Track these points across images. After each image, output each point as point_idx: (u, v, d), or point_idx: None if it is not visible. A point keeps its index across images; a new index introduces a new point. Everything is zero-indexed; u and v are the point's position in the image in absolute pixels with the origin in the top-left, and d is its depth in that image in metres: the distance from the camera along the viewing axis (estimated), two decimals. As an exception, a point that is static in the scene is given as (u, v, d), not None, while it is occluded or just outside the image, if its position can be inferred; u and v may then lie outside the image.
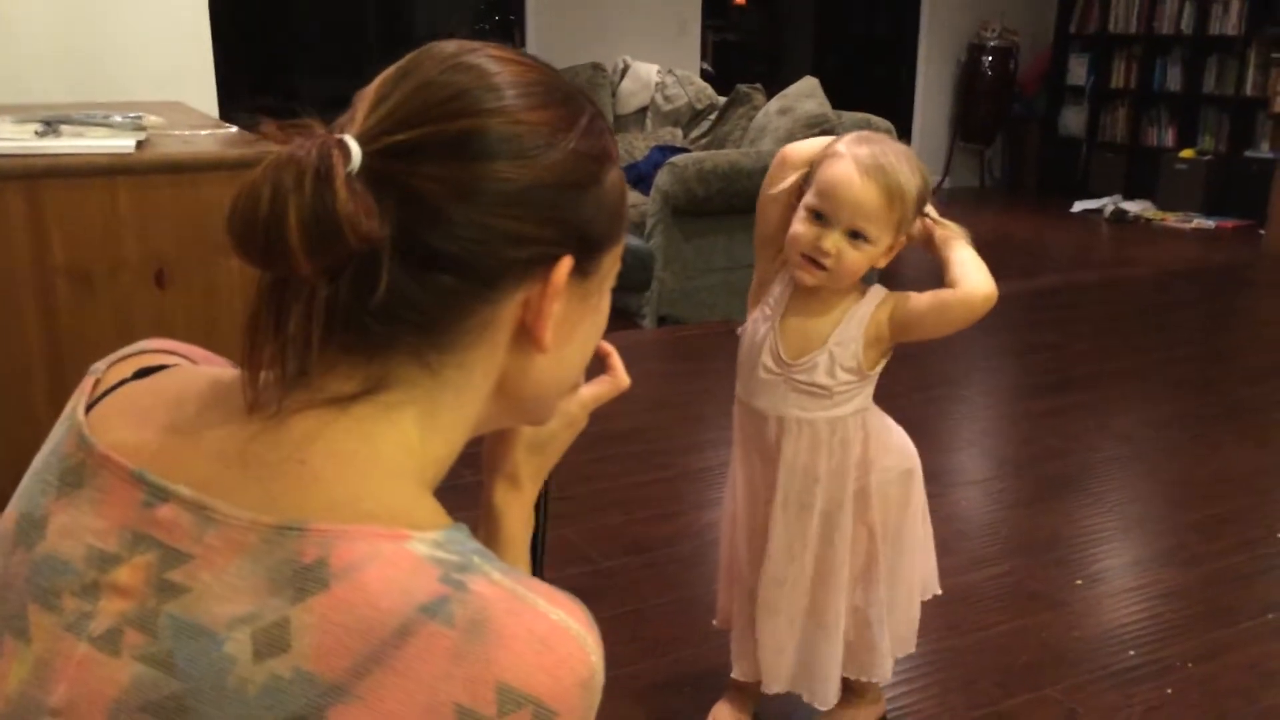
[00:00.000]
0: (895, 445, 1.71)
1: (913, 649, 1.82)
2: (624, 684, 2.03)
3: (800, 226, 1.53)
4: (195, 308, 1.84)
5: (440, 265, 0.63)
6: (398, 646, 0.56)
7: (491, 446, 0.89)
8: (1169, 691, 2.03)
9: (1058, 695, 2.01)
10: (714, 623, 1.86)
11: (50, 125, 1.83)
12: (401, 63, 0.67)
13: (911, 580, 1.77)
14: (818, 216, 1.51)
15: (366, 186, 0.61)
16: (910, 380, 3.80)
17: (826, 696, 1.72)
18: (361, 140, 0.62)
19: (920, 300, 1.57)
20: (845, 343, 1.58)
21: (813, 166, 1.55)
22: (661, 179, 4.65)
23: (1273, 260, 6.17)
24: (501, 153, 0.64)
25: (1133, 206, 7.44)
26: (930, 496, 1.81)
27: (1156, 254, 6.46)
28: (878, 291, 1.60)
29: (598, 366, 0.90)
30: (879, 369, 1.62)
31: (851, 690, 1.89)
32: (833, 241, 1.50)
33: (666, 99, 6.17)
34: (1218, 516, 2.79)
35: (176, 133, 2.03)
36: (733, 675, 1.82)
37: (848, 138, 1.54)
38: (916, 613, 1.80)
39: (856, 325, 1.58)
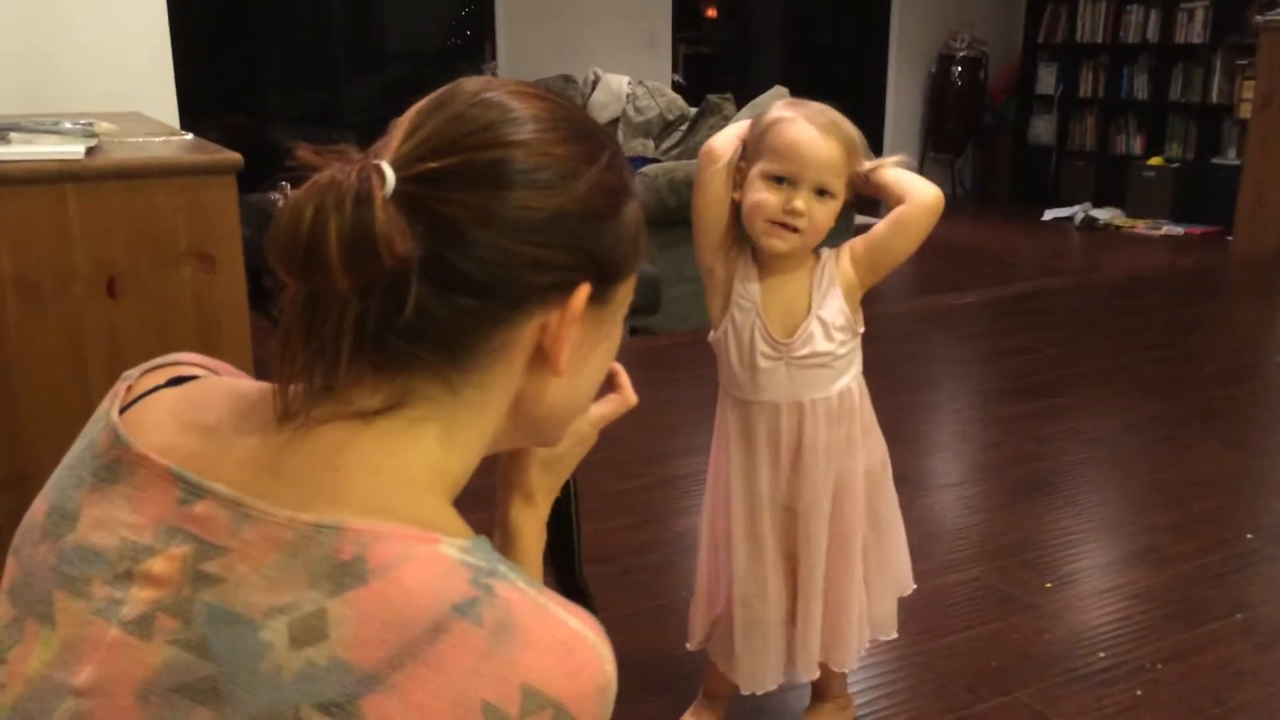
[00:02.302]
0: (877, 428, 1.73)
1: (894, 634, 1.82)
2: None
3: (762, 195, 1.53)
4: (148, 317, 1.81)
5: (464, 287, 0.67)
6: (431, 642, 0.59)
7: (507, 465, 0.92)
8: (1139, 693, 2.02)
9: (1027, 699, 2.00)
10: (688, 646, 1.82)
11: (-2, 133, 1.80)
12: (435, 95, 0.71)
13: (893, 567, 1.77)
14: (779, 181, 1.52)
15: (399, 210, 0.64)
16: (882, 386, 3.77)
17: (852, 658, 1.74)
18: (396, 166, 0.66)
19: (877, 229, 1.60)
20: (827, 303, 1.59)
21: (749, 143, 1.56)
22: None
23: (1240, 265, 6.22)
24: (527, 182, 0.68)
25: (1102, 214, 7.50)
26: (902, 501, 1.81)
27: (1126, 260, 6.50)
28: (828, 250, 1.62)
29: (606, 384, 0.91)
30: (863, 327, 1.64)
31: (820, 696, 1.88)
32: (803, 201, 1.51)
33: (637, 110, 6.17)
34: (1188, 518, 2.79)
35: (129, 140, 2.00)
36: (745, 692, 1.76)
37: (778, 105, 1.56)
38: (895, 602, 1.80)
39: (829, 283, 1.60)
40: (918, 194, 1.56)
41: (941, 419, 3.77)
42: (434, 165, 0.66)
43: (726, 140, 1.58)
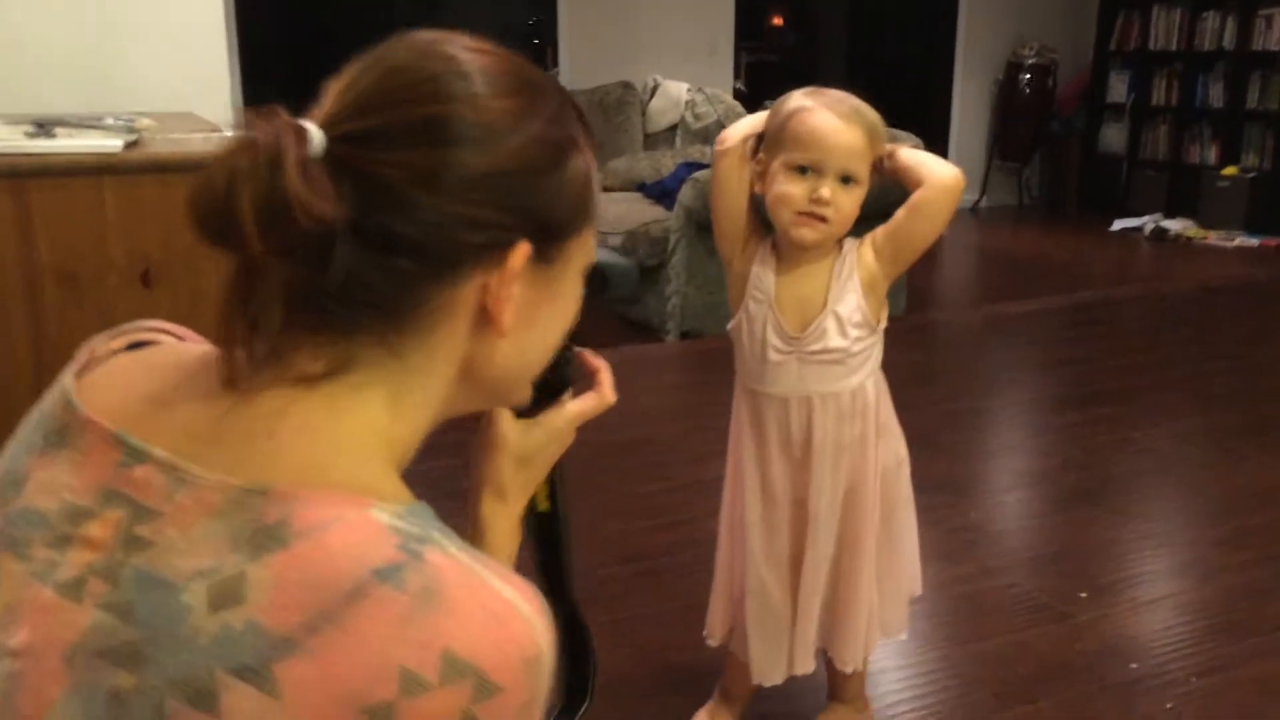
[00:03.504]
0: (895, 427, 1.70)
1: (904, 635, 1.79)
2: (613, 690, 2.00)
3: (788, 186, 1.52)
4: (181, 308, 1.86)
5: (398, 249, 0.65)
6: (348, 606, 0.58)
7: (477, 459, 0.90)
8: (1169, 706, 1.97)
9: (1052, 709, 1.96)
10: (709, 642, 1.81)
11: (43, 127, 1.86)
12: (373, 50, 0.69)
13: (904, 567, 1.74)
14: (803, 171, 1.51)
15: (327, 170, 0.63)
16: (933, 392, 3.75)
17: (858, 658, 1.72)
18: (325, 125, 0.64)
19: (896, 217, 1.57)
20: (845, 297, 1.57)
21: (768, 134, 1.55)
22: (684, 194, 4.64)
23: (1317, 277, 6.02)
24: (463, 139, 0.65)
25: (1173, 224, 7.31)
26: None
27: (1196, 271, 6.33)
28: (852, 240, 1.60)
29: (586, 382, 0.91)
30: (884, 323, 1.61)
31: (836, 696, 1.86)
32: (830, 189, 1.50)
33: (696, 117, 6.17)
34: (1239, 531, 2.71)
35: (170, 136, 2.06)
36: (755, 681, 1.76)
37: (797, 94, 1.55)
38: (906, 602, 1.77)
39: (848, 276, 1.58)
40: (936, 176, 1.53)
41: (991, 426, 3.71)
42: (365, 124, 0.64)
43: (738, 129, 1.58)
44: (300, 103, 0.68)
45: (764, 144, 1.57)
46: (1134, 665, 2.09)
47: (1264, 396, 3.86)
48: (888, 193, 1.57)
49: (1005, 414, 3.85)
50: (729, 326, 1.67)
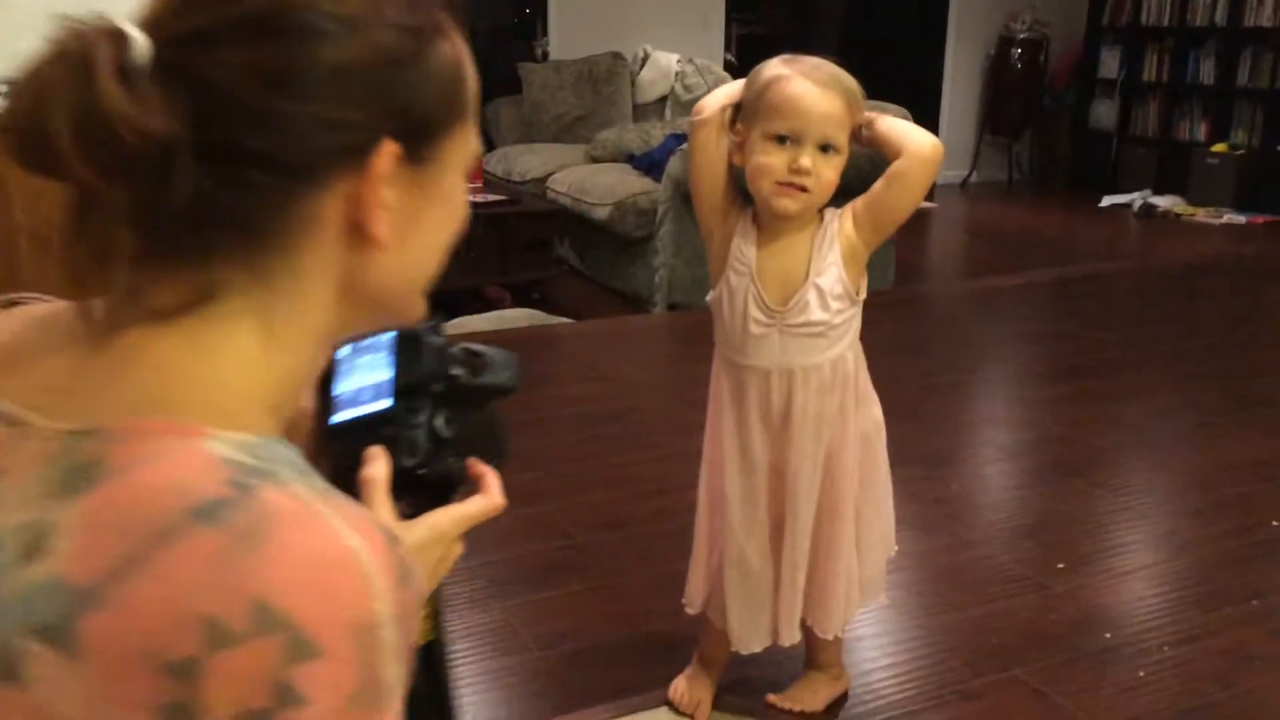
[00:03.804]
0: (873, 395, 1.70)
1: (883, 598, 1.81)
2: (591, 655, 2.02)
3: (767, 157, 1.51)
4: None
5: (246, 161, 0.58)
6: (156, 549, 0.51)
7: None
8: (1141, 674, 1.99)
9: (1026, 676, 1.98)
10: (687, 610, 1.82)
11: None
12: None
13: (880, 531, 1.76)
14: (781, 140, 1.50)
15: (156, 78, 0.56)
16: (916, 365, 3.76)
17: (839, 625, 1.74)
18: (150, 27, 0.57)
19: (875, 187, 1.57)
20: (826, 270, 1.57)
21: (746, 104, 1.54)
22: (672, 165, 4.63)
23: (1303, 255, 6.04)
24: (308, 30, 0.58)
25: (1162, 201, 7.31)
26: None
27: (1184, 248, 6.34)
28: (832, 211, 1.59)
29: (473, 486, 0.84)
30: (864, 294, 1.61)
31: (812, 664, 1.87)
32: (809, 158, 1.49)
33: (686, 88, 6.15)
34: (1215, 503, 2.73)
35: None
36: (734, 649, 1.78)
37: (772, 63, 1.53)
38: (884, 564, 1.79)
39: (829, 248, 1.57)
40: (914, 145, 1.53)
41: (974, 399, 3.72)
42: (196, 21, 0.57)
43: (715, 99, 1.57)
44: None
45: (741, 114, 1.56)
46: (1108, 635, 2.11)
47: (1245, 373, 3.88)
48: (879, 167, 1.56)
49: (988, 387, 3.87)
50: (709, 298, 1.67)
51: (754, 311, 1.59)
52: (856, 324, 1.64)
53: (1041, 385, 3.78)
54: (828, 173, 1.51)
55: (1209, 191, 7.24)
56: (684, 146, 4.68)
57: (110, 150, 0.55)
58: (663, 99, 6.27)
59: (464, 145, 0.68)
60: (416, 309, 0.73)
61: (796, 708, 1.84)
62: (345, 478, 0.71)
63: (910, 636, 2.11)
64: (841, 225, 1.58)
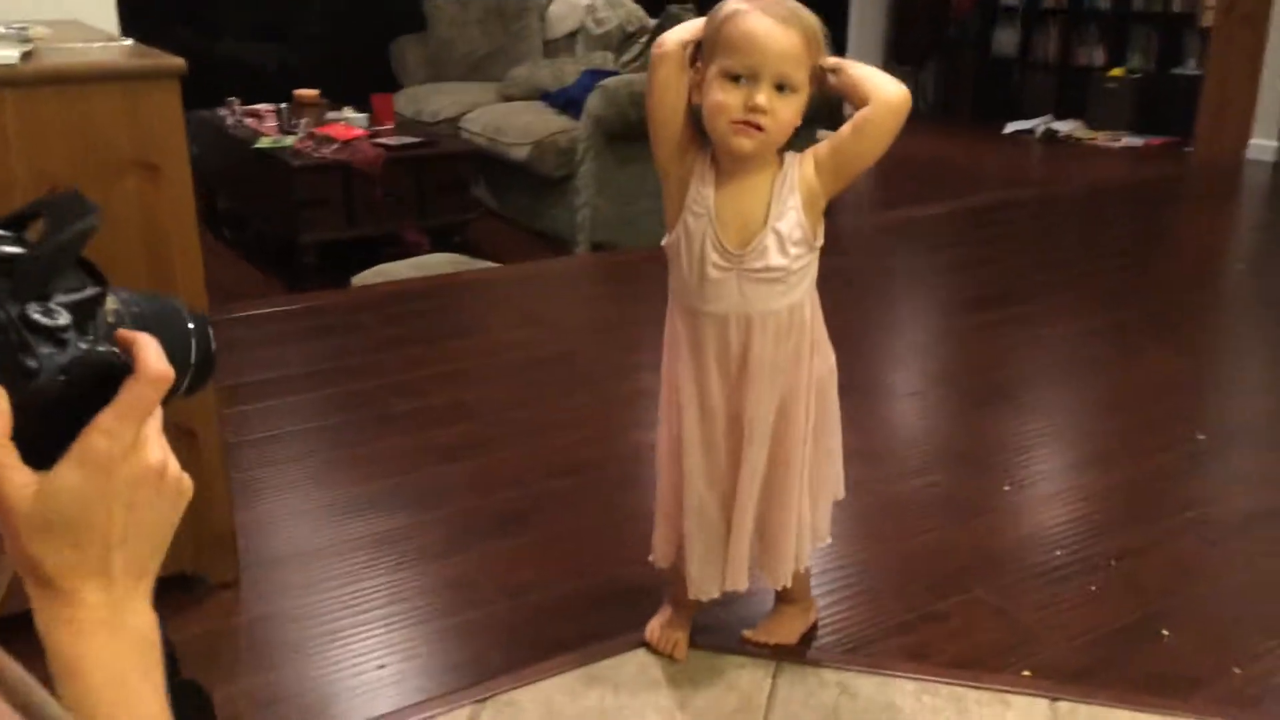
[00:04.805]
0: (827, 340, 1.70)
1: (829, 540, 1.82)
2: (558, 604, 2.02)
3: (722, 95, 1.48)
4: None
5: None
6: None
7: None
8: (1094, 588, 2.06)
9: (986, 594, 2.04)
10: (660, 565, 1.82)
11: (-74, 38, 1.72)
12: None
13: (831, 478, 1.78)
14: (737, 79, 1.47)
15: None
16: (842, 298, 3.78)
17: (788, 574, 1.75)
18: None
19: (841, 133, 1.54)
20: (785, 214, 1.55)
21: (704, 41, 1.51)
22: (593, 103, 4.57)
23: (1198, 175, 6.25)
24: None
25: (1063, 126, 7.48)
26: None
27: (1087, 171, 6.51)
28: (793, 155, 1.57)
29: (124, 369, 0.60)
30: (821, 240, 1.59)
31: (783, 599, 1.90)
32: (765, 96, 1.46)
33: (597, 22, 6.04)
34: (1142, 421, 2.83)
35: (66, 45, 1.93)
36: (691, 596, 1.78)
37: (733, 2, 1.49)
38: (829, 505, 1.80)
39: (789, 192, 1.55)
40: (882, 93, 1.50)
41: (900, 329, 3.79)
42: None
43: (676, 34, 1.53)
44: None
45: (701, 51, 1.52)
46: (1058, 552, 2.18)
47: (1157, 292, 4.01)
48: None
49: (913, 316, 3.94)
50: (664, 243, 1.64)
51: (712, 255, 1.57)
52: (814, 270, 1.63)
53: (962, 313, 3.86)
54: (785, 112, 1.49)
55: (1107, 116, 7.42)
56: (604, 83, 4.62)
57: None
58: (573, 34, 6.16)
59: None
60: None
61: (773, 641, 1.87)
62: None
63: (868, 567, 2.15)
64: (802, 170, 1.56)
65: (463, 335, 3.45)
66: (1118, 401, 3.00)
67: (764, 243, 1.55)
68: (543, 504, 2.37)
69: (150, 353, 0.58)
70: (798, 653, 1.87)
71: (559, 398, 2.94)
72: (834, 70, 1.53)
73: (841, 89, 1.54)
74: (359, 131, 4.62)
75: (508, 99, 5.48)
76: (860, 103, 1.52)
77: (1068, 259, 4.49)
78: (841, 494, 1.82)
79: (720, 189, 1.57)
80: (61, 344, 0.55)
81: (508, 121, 5.06)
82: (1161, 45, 7.43)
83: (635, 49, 5.82)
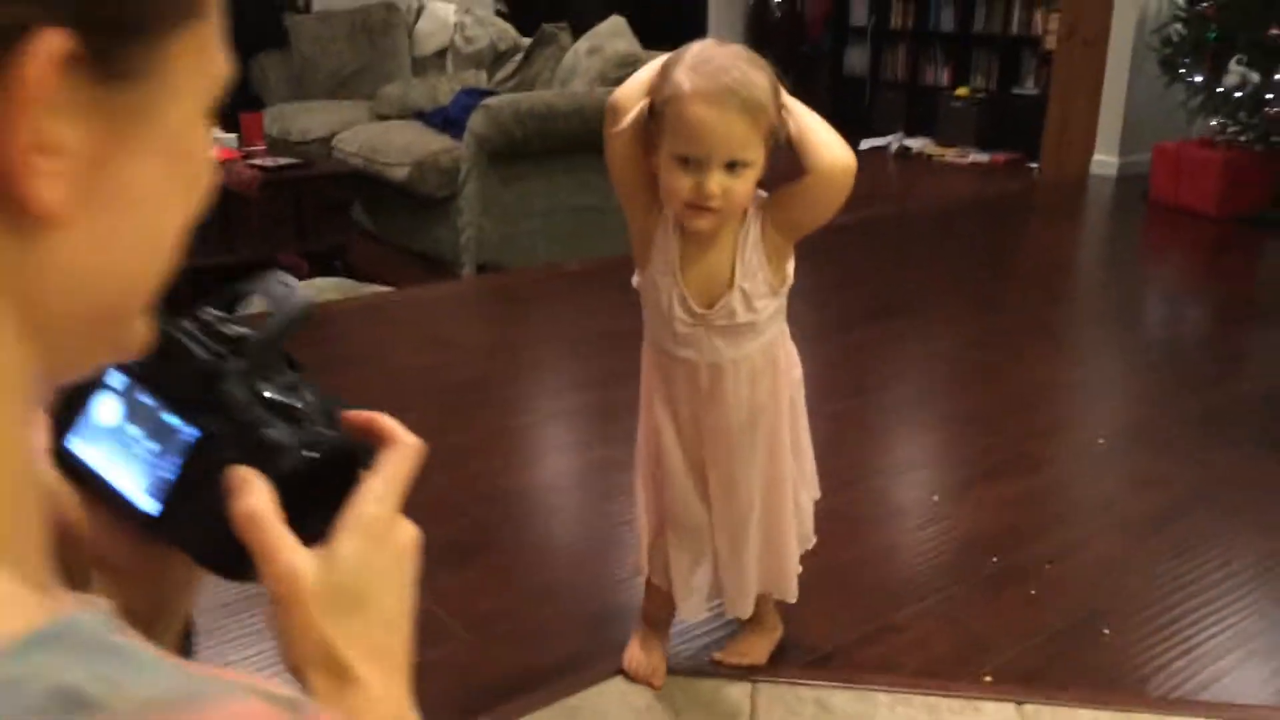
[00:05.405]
0: (795, 355, 1.71)
1: (814, 540, 1.83)
2: (526, 633, 1.98)
3: (673, 179, 1.45)
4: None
5: None
6: None
7: (276, 634, 0.52)
8: (1033, 592, 2.15)
9: (936, 605, 2.10)
10: (651, 579, 1.80)
11: None
12: None
13: (809, 483, 1.80)
14: (687, 163, 1.44)
15: None
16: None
17: (792, 588, 1.78)
18: None
19: (792, 194, 1.52)
20: (751, 274, 1.55)
21: (653, 101, 1.46)
22: (475, 122, 4.50)
23: (1047, 190, 6.60)
24: None
25: (915, 143, 7.79)
26: None
27: (940, 187, 6.79)
28: (755, 207, 1.54)
29: (372, 446, 0.59)
30: (790, 280, 1.59)
31: (752, 619, 1.91)
32: (715, 181, 1.43)
33: (467, 40, 5.98)
34: (1045, 425, 2.97)
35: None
36: (679, 616, 1.80)
37: (681, 68, 1.43)
38: (811, 505, 1.83)
39: (753, 250, 1.55)
40: (822, 164, 1.47)
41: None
42: None
43: (628, 96, 1.48)
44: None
45: (653, 116, 1.47)
46: (995, 559, 2.26)
47: (1028, 299, 4.21)
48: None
49: (800, 335, 4.01)
50: (635, 282, 1.63)
51: (679, 313, 1.57)
52: (784, 308, 1.63)
53: (849, 330, 3.94)
54: (738, 188, 1.46)
55: (955, 133, 7.77)
56: (487, 102, 4.57)
57: None
58: (442, 51, 6.08)
59: (201, 57, 0.40)
60: (138, 335, 0.46)
61: (745, 662, 1.88)
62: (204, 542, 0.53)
63: (822, 578, 2.18)
64: (763, 225, 1.54)
65: (362, 362, 3.35)
66: (1015, 406, 3.13)
67: (731, 304, 1.55)
68: (489, 532, 2.31)
69: (396, 427, 0.58)
70: (770, 671, 1.88)
71: (482, 422, 2.88)
72: (787, 124, 1.48)
73: (793, 145, 1.50)
74: (231, 153, 4.44)
75: (381, 118, 5.36)
76: (803, 165, 1.49)
77: (935, 274, 4.65)
78: (817, 493, 1.84)
79: (685, 245, 1.55)
80: (298, 423, 0.55)
81: (385, 141, 4.94)
82: (1002, 66, 7.83)
83: (509, 67, 5.79)
